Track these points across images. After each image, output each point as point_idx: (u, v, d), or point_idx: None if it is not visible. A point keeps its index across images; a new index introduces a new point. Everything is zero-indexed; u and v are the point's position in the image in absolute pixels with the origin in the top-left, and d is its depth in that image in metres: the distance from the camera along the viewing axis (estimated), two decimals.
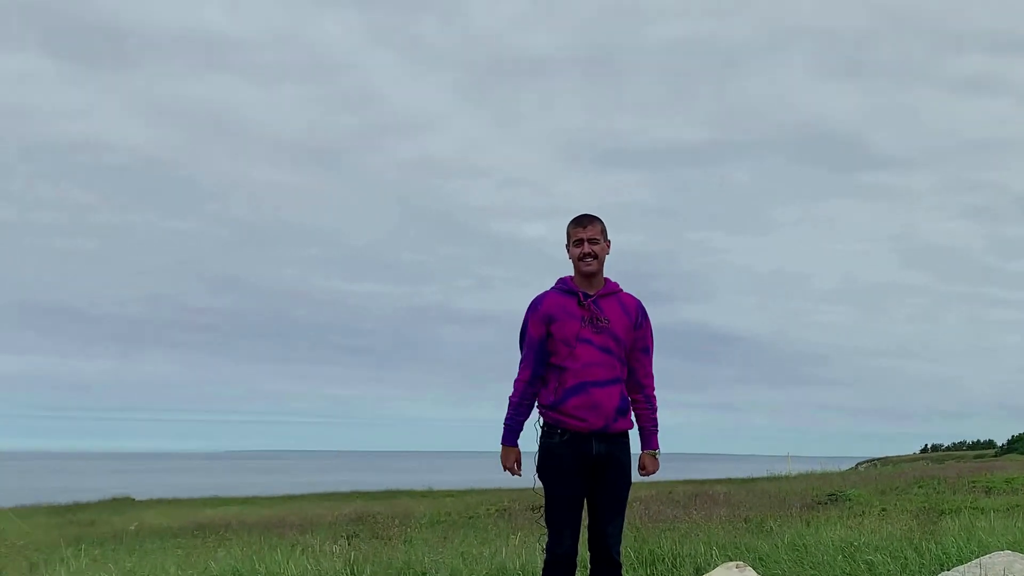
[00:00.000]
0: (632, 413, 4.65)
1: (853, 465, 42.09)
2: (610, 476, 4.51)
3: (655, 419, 4.71)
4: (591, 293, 4.58)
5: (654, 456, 4.70)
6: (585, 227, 4.59)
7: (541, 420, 4.58)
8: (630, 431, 4.64)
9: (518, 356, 4.67)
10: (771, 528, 9.90)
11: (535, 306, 4.61)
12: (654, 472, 4.69)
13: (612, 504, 4.53)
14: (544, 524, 4.55)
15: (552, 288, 4.67)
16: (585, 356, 4.49)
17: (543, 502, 4.55)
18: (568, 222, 4.66)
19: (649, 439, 4.69)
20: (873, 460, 48.47)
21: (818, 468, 29.47)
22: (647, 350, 4.69)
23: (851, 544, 7.64)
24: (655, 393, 4.73)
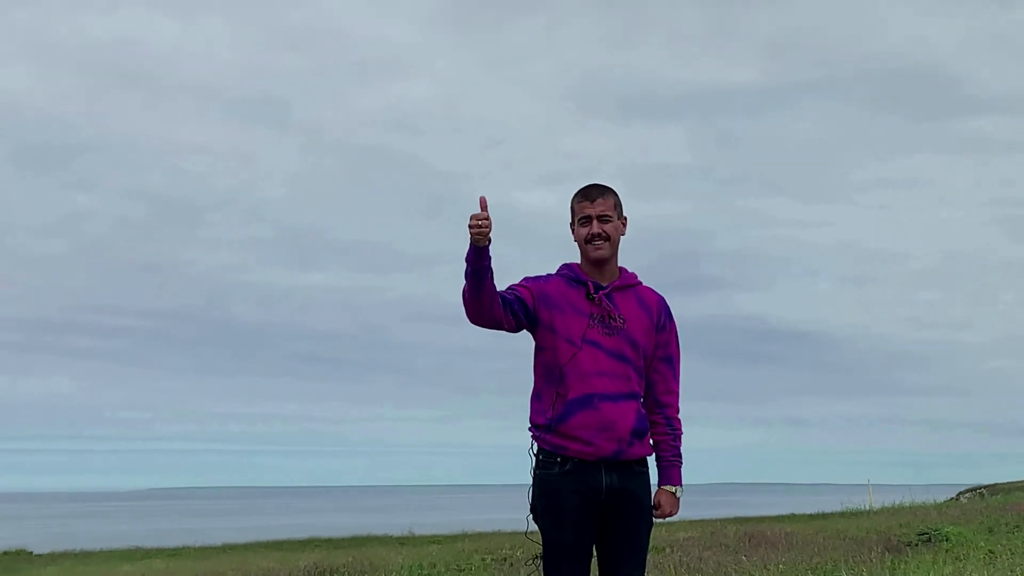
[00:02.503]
0: (649, 437, 4.61)
1: (954, 496, 42.03)
2: (625, 516, 4.49)
3: (678, 449, 4.68)
4: (604, 284, 4.56)
5: (674, 495, 4.65)
6: (594, 201, 4.56)
7: (535, 446, 4.55)
8: (649, 458, 4.61)
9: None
10: None
11: (531, 278, 4.59)
12: (672, 514, 4.65)
13: (629, 552, 4.50)
14: None
15: (555, 274, 4.64)
16: (591, 362, 4.46)
17: (541, 551, 4.53)
18: (572, 195, 4.63)
19: (669, 473, 4.65)
20: (979, 488, 48.37)
21: (908, 500, 29.45)
22: (671, 360, 4.67)
23: None
24: (679, 416, 4.70)
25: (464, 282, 4.28)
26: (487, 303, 4.30)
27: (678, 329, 4.74)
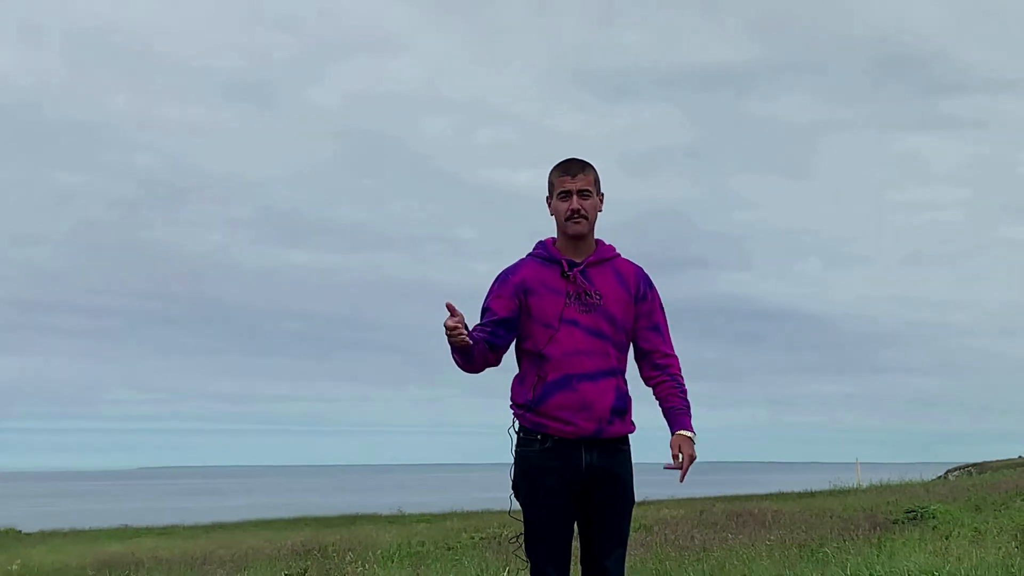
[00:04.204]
0: (631, 414, 4.57)
1: (941, 474, 42.17)
2: (605, 495, 4.46)
3: (686, 399, 4.55)
4: (578, 261, 4.53)
5: (690, 439, 4.45)
6: (574, 176, 4.52)
7: (516, 424, 4.54)
8: (631, 434, 4.58)
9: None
10: (829, 555, 9.93)
11: (503, 277, 4.56)
12: (691, 460, 4.40)
13: (610, 531, 4.49)
14: (525, 557, 4.51)
15: (528, 256, 4.62)
16: (570, 342, 4.43)
17: (523, 529, 4.52)
18: (551, 169, 4.59)
19: (681, 419, 4.49)
20: (967, 467, 48.57)
21: (895, 478, 29.56)
22: (658, 328, 4.62)
23: (933, 574, 7.71)
24: (681, 373, 4.61)
25: (453, 354, 4.36)
26: (480, 367, 4.44)
27: (662, 299, 4.66)
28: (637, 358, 4.65)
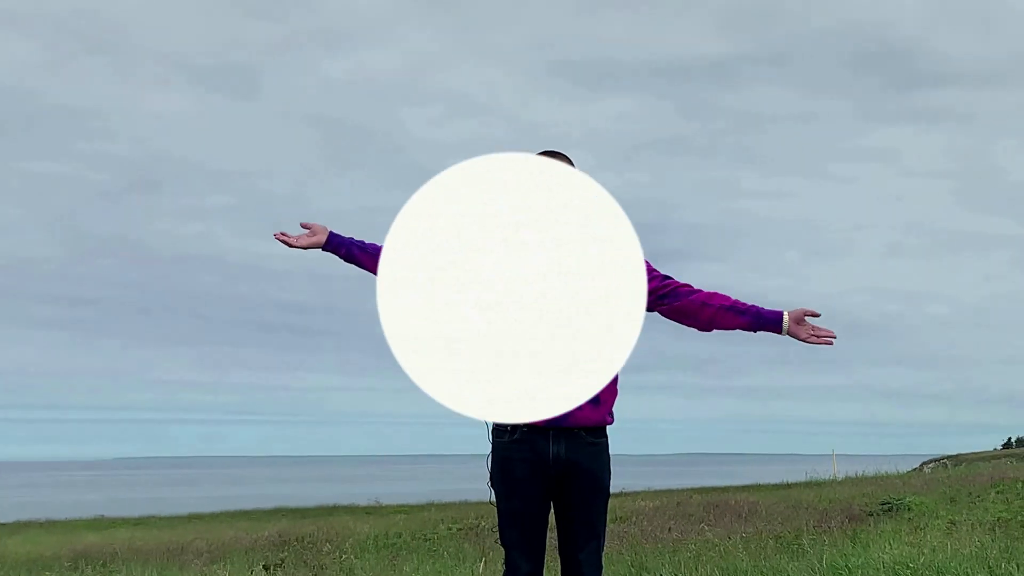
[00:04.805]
0: (609, 405, 4.51)
1: (917, 466, 42.41)
2: (575, 488, 4.43)
3: (742, 302, 4.52)
4: None
5: (784, 319, 4.48)
6: None
7: None
8: (608, 427, 4.53)
9: None
10: (805, 547, 9.98)
11: None
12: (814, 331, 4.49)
13: (582, 524, 4.45)
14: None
15: None
16: None
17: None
18: None
19: (759, 310, 4.51)
20: (942, 459, 48.87)
21: (871, 470, 29.65)
22: (667, 276, 4.52)
23: (908, 566, 7.74)
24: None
25: None
26: (365, 267, 4.67)
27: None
28: (674, 314, 4.52)
